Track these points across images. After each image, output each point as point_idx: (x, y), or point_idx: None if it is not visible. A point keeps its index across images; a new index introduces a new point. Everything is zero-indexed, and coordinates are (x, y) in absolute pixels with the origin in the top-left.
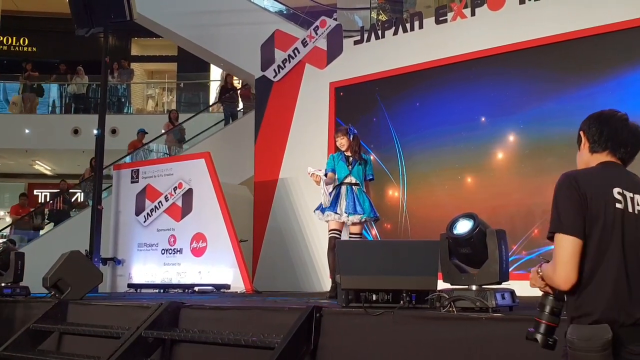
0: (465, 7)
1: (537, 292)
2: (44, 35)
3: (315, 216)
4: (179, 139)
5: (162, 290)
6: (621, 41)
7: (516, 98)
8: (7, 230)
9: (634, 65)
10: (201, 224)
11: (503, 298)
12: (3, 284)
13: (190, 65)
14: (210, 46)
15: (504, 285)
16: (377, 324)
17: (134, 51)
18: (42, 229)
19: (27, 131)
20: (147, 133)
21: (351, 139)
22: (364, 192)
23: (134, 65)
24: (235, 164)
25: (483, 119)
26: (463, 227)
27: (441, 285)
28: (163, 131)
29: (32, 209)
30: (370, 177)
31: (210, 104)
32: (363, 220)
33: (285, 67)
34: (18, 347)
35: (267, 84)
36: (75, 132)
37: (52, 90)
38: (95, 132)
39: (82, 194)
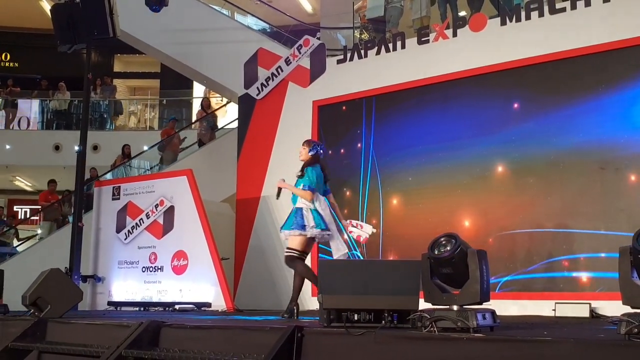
0: (447, 27)
1: (517, 312)
2: (26, 50)
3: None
4: (212, 127)
5: (142, 309)
6: (599, 63)
7: (497, 118)
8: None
9: (611, 87)
10: (182, 242)
11: (484, 318)
12: None
13: (173, 82)
14: (193, 63)
15: (485, 305)
16: (358, 343)
17: (117, 67)
18: (67, 215)
19: (7, 147)
20: (178, 120)
21: (310, 154)
22: (297, 210)
23: (116, 82)
24: (218, 182)
25: (464, 138)
26: (444, 247)
27: (423, 305)
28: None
29: (60, 197)
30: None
31: (193, 121)
32: (288, 235)
33: (268, 85)
34: None
35: (250, 102)
36: (57, 148)
37: (34, 106)
38: (76, 148)
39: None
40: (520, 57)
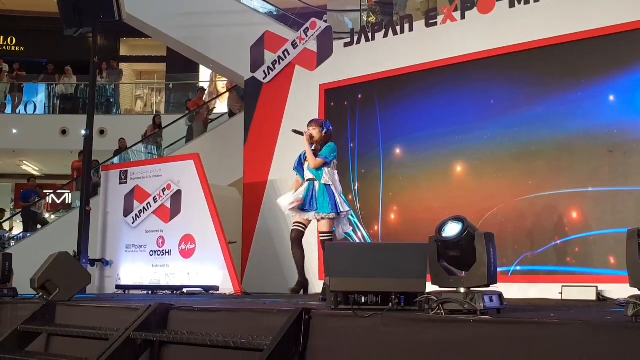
0: (455, 10)
1: (524, 295)
2: (32, 34)
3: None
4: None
5: (150, 292)
6: (609, 46)
7: (505, 101)
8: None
9: (621, 70)
10: (190, 226)
11: (491, 300)
12: None
13: (179, 66)
14: (200, 47)
15: (492, 287)
16: (365, 326)
17: (123, 51)
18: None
19: (14, 131)
20: (205, 90)
21: (324, 133)
22: (326, 187)
23: (122, 66)
24: (225, 166)
25: (472, 122)
26: (452, 230)
27: (430, 287)
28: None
29: (94, 167)
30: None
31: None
32: (319, 218)
33: (275, 68)
34: (6, 349)
35: (256, 86)
36: (63, 132)
37: (40, 90)
38: (83, 132)
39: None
40: (529, 39)
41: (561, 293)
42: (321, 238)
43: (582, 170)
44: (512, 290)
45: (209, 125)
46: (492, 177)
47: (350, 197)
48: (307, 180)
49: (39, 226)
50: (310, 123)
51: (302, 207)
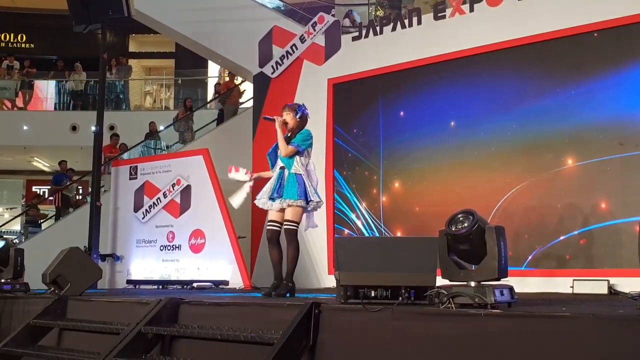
0: (464, 3)
1: (536, 289)
2: (42, 31)
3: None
4: None
5: (160, 287)
6: (620, 37)
7: (514, 94)
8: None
9: (632, 61)
10: (200, 221)
11: (502, 294)
12: (3, 280)
13: (188, 62)
14: (208, 43)
15: (503, 281)
16: (375, 320)
17: (132, 48)
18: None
19: (25, 128)
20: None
21: (298, 118)
22: (296, 176)
23: (132, 62)
24: (234, 161)
25: (481, 115)
26: (462, 223)
27: (440, 281)
28: None
29: (122, 151)
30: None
31: (208, 100)
32: (285, 205)
33: (283, 63)
34: (18, 343)
35: (265, 81)
36: (74, 128)
37: (50, 87)
38: (93, 128)
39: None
40: (538, 32)
41: (572, 287)
42: (285, 226)
43: (593, 163)
44: (522, 284)
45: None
46: (502, 171)
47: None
48: (279, 168)
49: (70, 209)
50: (284, 108)
51: (271, 196)
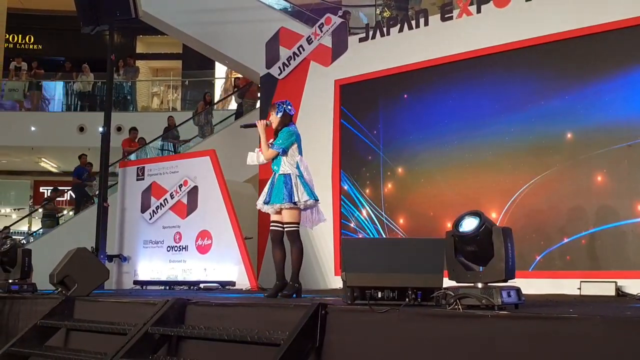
0: (471, 4)
1: (543, 291)
2: (50, 33)
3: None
4: None
5: (167, 287)
6: (628, 38)
7: (521, 95)
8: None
9: None
10: (206, 222)
11: (509, 296)
12: (10, 281)
13: (195, 63)
14: (215, 44)
15: (510, 283)
16: (382, 321)
17: (139, 49)
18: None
19: (33, 129)
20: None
21: (279, 116)
22: (284, 177)
23: (139, 63)
24: (240, 162)
25: (488, 116)
26: (469, 224)
27: (447, 283)
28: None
29: (140, 145)
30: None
31: (215, 101)
32: (277, 209)
33: (290, 64)
34: (26, 343)
35: (271, 82)
36: (81, 129)
37: (58, 88)
38: (100, 129)
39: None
40: (546, 33)
41: (579, 288)
42: (285, 229)
43: (601, 165)
44: (529, 286)
45: (213, 125)
46: (509, 172)
47: (370, 190)
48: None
49: (94, 199)
50: (270, 109)
51: (265, 200)
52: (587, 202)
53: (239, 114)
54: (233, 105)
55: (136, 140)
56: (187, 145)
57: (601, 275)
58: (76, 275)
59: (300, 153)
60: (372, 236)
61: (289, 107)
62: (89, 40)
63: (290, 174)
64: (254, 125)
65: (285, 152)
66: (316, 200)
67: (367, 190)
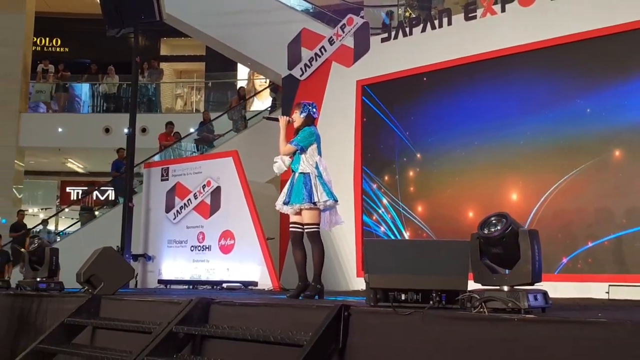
0: (495, 3)
1: (571, 294)
2: (76, 36)
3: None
4: None
5: (191, 287)
6: None
7: (547, 95)
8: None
9: None
10: (229, 222)
11: (536, 299)
12: (38, 279)
13: (218, 65)
14: (238, 45)
15: (537, 286)
16: (406, 323)
17: (163, 51)
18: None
19: (60, 130)
20: None
21: (302, 117)
22: (303, 176)
23: (163, 65)
24: (262, 163)
25: (513, 117)
26: (495, 226)
27: (472, 285)
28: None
29: (176, 140)
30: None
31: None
32: (297, 210)
33: (312, 65)
34: (53, 341)
35: (293, 83)
36: (107, 130)
37: (84, 90)
38: (126, 130)
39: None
40: (571, 32)
41: (608, 292)
42: (305, 230)
43: (630, 166)
44: (555, 290)
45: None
46: (536, 173)
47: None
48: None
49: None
50: (294, 107)
51: (284, 200)
52: (615, 204)
53: (272, 108)
54: (256, 105)
55: (172, 134)
56: (221, 139)
57: (630, 279)
58: (102, 274)
59: (320, 154)
60: (394, 232)
61: (314, 109)
62: (115, 42)
63: (309, 173)
64: (277, 120)
65: (303, 150)
66: (335, 201)
67: (390, 191)
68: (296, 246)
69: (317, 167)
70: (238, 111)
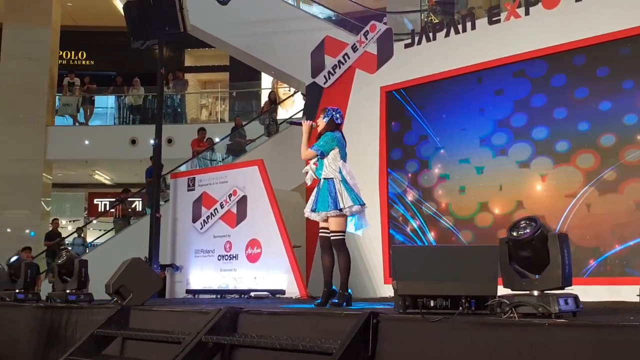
0: (519, 6)
1: (601, 298)
2: (101, 48)
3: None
4: None
5: (219, 296)
6: None
7: (574, 97)
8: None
9: None
10: (255, 230)
11: (566, 303)
12: (68, 291)
13: (242, 74)
14: (261, 55)
15: (567, 290)
16: (435, 330)
17: (188, 62)
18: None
19: (86, 142)
20: None
21: (326, 122)
22: (327, 182)
23: (187, 76)
24: (287, 171)
25: (539, 118)
26: (524, 229)
27: (501, 290)
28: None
29: (209, 145)
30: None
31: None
32: (324, 217)
33: (335, 73)
34: (83, 352)
35: (317, 91)
36: (133, 142)
37: (109, 102)
38: (152, 141)
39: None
40: (597, 33)
41: (639, 295)
42: (331, 237)
43: None
44: (585, 293)
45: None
46: (565, 175)
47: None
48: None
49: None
50: (318, 112)
51: (312, 207)
52: None
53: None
54: (280, 114)
55: (205, 140)
56: (252, 144)
57: None
58: (131, 285)
59: (343, 158)
60: (421, 238)
61: (338, 115)
62: (139, 54)
63: (332, 178)
64: (300, 124)
65: (324, 155)
66: (362, 205)
67: (415, 196)
68: (325, 251)
69: (340, 172)
70: (269, 115)
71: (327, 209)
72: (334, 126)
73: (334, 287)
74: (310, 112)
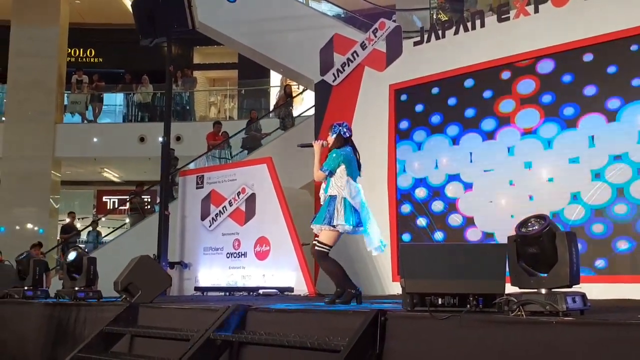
0: (529, 4)
1: (610, 295)
2: (110, 46)
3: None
4: None
5: (227, 294)
6: None
7: (583, 95)
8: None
9: None
10: (264, 228)
11: (574, 301)
12: (77, 288)
13: (251, 72)
14: (270, 52)
15: (575, 288)
16: (443, 328)
17: (196, 59)
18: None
19: (95, 140)
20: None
21: (332, 137)
22: (330, 198)
23: (196, 74)
24: (296, 169)
25: (550, 116)
26: (533, 225)
27: (509, 289)
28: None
29: (224, 139)
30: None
31: (271, 109)
32: (320, 230)
33: (344, 70)
34: (92, 349)
35: (326, 88)
36: (142, 139)
37: (118, 99)
38: (160, 139)
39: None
40: (606, 31)
41: None
42: (316, 247)
43: None
44: (591, 291)
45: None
46: (567, 175)
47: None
48: None
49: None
50: (327, 130)
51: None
52: None
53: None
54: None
55: (220, 133)
56: (267, 137)
57: None
58: (140, 282)
59: (350, 174)
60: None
61: (345, 129)
62: (148, 52)
63: (336, 195)
64: (311, 145)
65: (331, 174)
66: (354, 226)
67: (424, 191)
68: (319, 262)
69: (344, 189)
70: (285, 108)
71: (321, 223)
72: (342, 141)
73: (359, 288)
74: (319, 110)
